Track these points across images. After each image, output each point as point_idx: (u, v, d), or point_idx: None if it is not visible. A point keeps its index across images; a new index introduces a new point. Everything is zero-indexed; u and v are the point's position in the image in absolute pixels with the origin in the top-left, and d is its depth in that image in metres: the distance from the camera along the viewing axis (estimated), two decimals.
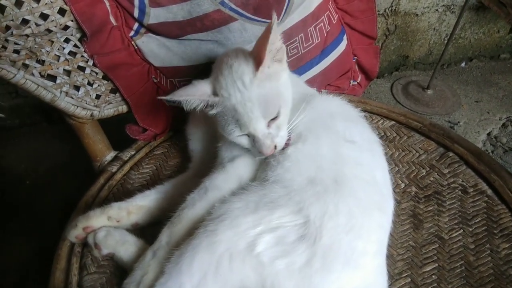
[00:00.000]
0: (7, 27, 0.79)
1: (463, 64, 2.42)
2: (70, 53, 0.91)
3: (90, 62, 0.95)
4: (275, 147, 0.72)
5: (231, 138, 0.74)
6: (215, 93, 0.71)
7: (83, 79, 0.93)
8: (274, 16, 0.63)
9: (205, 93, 0.71)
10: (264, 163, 0.75)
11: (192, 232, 0.65)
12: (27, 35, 0.82)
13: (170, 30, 0.95)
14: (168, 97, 0.68)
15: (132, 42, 0.99)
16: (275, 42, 0.67)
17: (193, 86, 0.72)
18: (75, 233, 0.77)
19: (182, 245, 0.63)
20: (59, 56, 0.89)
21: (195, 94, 0.70)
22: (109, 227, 0.78)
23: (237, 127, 0.71)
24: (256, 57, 0.69)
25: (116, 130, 1.06)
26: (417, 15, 2.09)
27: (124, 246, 0.75)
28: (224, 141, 0.80)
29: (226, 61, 0.72)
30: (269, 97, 0.71)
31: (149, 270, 0.67)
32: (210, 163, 0.84)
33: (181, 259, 0.60)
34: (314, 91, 0.93)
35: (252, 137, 0.72)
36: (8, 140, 1.88)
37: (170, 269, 0.61)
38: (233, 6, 0.92)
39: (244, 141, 0.74)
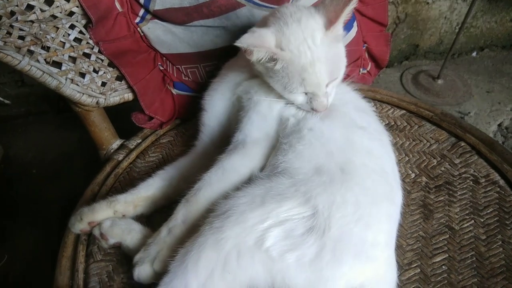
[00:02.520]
0: (12, 13, 0.78)
1: (474, 54, 2.37)
2: (76, 39, 0.90)
3: (96, 49, 0.93)
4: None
5: (289, 95, 0.72)
6: (278, 46, 0.68)
7: (88, 66, 0.92)
8: None
9: (271, 45, 0.67)
10: (275, 148, 0.74)
11: (207, 214, 0.64)
12: (32, 21, 0.80)
13: (176, 16, 0.94)
14: (237, 43, 0.64)
15: (138, 29, 0.97)
16: (355, 3, 0.66)
17: (256, 33, 0.67)
18: (80, 227, 0.77)
19: (187, 243, 0.61)
20: (64, 43, 0.87)
21: (264, 45, 0.66)
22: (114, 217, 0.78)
23: (302, 85, 0.69)
24: (330, 16, 0.67)
25: (122, 118, 1.05)
26: (428, 3, 2.05)
27: (131, 235, 0.74)
28: (253, 113, 0.77)
29: (290, 14, 0.69)
30: (335, 58, 0.70)
31: (165, 247, 0.66)
32: (221, 143, 0.82)
33: (187, 257, 0.59)
34: None
35: (310, 95, 0.71)
36: (15, 129, 1.89)
37: (175, 267, 0.59)
38: None
39: (301, 98, 0.72)
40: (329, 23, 0.67)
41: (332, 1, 0.68)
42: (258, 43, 0.66)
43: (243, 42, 0.64)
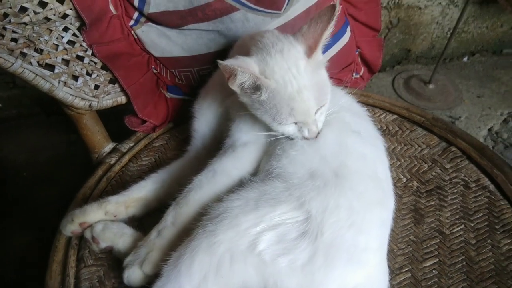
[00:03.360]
0: (5, 15, 0.77)
1: (465, 59, 2.40)
2: (69, 42, 0.89)
3: (89, 52, 0.93)
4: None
5: (278, 127, 0.70)
6: (262, 75, 0.66)
7: (81, 69, 0.92)
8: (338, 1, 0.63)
9: (256, 71, 0.66)
10: (268, 153, 0.74)
11: (197, 217, 0.65)
12: (25, 23, 0.80)
13: (171, 20, 0.94)
14: (225, 62, 0.63)
15: (132, 32, 0.97)
16: (332, 27, 0.65)
17: (241, 59, 0.66)
18: (71, 228, 0.77)
19: (180, 247, 0.61)
20: (57, 45, 0.87)
21: (248, 68, 0.64)
22: (106, 220, 0.77)
23: (291, 116, 0.67)
24: (309, 43, 0.67)
25: (115, 122, 1.05)
26: (420, 8, 2.07)
27: (122, 239, 0.74)
28: (240, 122, 0.77)
29: (272, 44, 0.68)
30: (320, 84, 0.70)
31: (154, 248, 0.67)
32: (213, 147, 0.82)
33: (180, 261, 0.59)
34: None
35: (300, 124, 0.70)
36: (6, 132, 1.87)
37: (168, 271, 0.59)
38: None
39: (291, 128, 0.71)
40: (310, 51, 0.67)
41: (309, 29, 0.68)
42: (243, 65, 0.64)
43: (228, 62, 0.63)
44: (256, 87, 0.67)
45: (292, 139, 0.72)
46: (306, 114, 0.68)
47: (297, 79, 0.66)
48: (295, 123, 0.70)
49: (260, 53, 0.68)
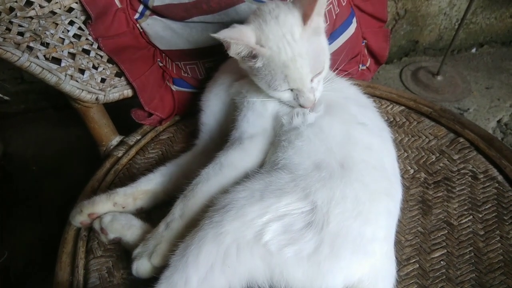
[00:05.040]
0: (11, 9, 0.78)
1: (473, 50, 2.37)
2: (75, 36, 0.90)
3: (95, 45, 0.93)
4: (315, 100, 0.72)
5: (274, 93, 0.72)
6: (259, 43, 0.67)
7: (88, 63, 0.92)
8: None
9: (250, 40, 0.66)
10: (274, 145, 0.74)
11: (205, 209, 0.65)
12: (31, 17, 0.80)
13: (176, 12, 0.93)
14: (215, 35, 0.64)
15: (137, 25, 0.97)
16: None
17: (236, 29, 0.67)
18: (80, 219, 0.78)
19: (187, 237, 0.62)
20: (63, 39, 0.87)
21: (242, 39, 0.66)
22: (114, 211, 0.78)
23: (285, 82, 0.68)
24: (305, 10, 0.67)
25: (121, 115, 1.05)
26: None
27: (131, 230, 0.75)
28: (246, 112, 0.78)
29: (269, 11, 0.69)
30: (316, 51, 0.69)
31: (163, 241, 0.67)
32: (220, 140, 0.82)
33: (187, 251, 0.59)
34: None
35: (295, 91, 0.71)
36: (14, 126, 1.89)
37: (175, 261, 0.60)
38: None
39: (286, 95, 0.72)
40: (305, 17, 0.67)
41: None
42: (236, 36, 0.65)
43: (220, 34, 0.64)
44: (253, 55, 0.68)
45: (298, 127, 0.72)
46: (300, 81, 0.68)
47: (292, 46, 0.66)
48: (291, 90, 0.71)
49: (257, 20, 0.69)
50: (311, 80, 0.70)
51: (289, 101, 0.73)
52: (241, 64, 0.73)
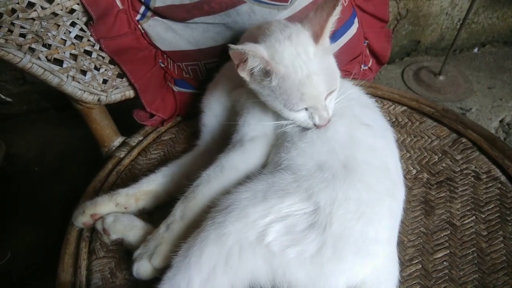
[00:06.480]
0: (13, 10, 0.78)
1: (475, 50, 2.37)
2: (77, 37, 0.90)
3: (97, 46, 0.94)
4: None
5: (289, 114, 0.70)
6: (272, 61, 0.66)
7: (89, 64, 0.92)
8: None
9: (266, 56, 0.65)
10: (277, 146, 0.74)
11: (206, 210, 0.65)
12: (33, 19, 0.81)
13: (177, 13, 0.93)
14: (236, 46, 0.63)
15: (139, 26, 0.97)
16: (338, 14, 0.65)
17: (251, 45, 0.66)
18: (82, 220, 0.78)
19: (190, 238, 0.62)
20: (65, 40, 0.88)
21: (260, 53, 0.64)
22: (117, 212, 0.78)
23: (302, 101, 0.67)
24: (315, 30, 0.67)
25: (123, 115, 1.05)
26: None
27: (133, 231, 0.75)
28: (247, 115, 0.77)
29: (280, 30, 0.69)
30: (329, 69, 0.70)
31: (163, 242, 0.67)
32: (222, 141, 0.82)
33: (189, 252, 0.59)
34: None
35: (311, 110, 0.70)
36: (16, 127, 1.89)
37: (178, 262, 0.60)
38: None
39: (302, 115, 0.70)
40: (316, 37, 0.67)
41: (315, 14, 0.68)
42: (254, 49, 0.64)
43: (239, 46, 0.63)
44: (266, 73, 0.67)
45: (303, 129, 0.72)
46: (316, 99, 0.68)
47: (307, 64, 0.66)
48: (306, 109, 0.70)
49: (268, 40, 0.69)
50: (325, 98, 0.70)
51: (304, 121, 0.71)
52: (251, 85, 0.71)
